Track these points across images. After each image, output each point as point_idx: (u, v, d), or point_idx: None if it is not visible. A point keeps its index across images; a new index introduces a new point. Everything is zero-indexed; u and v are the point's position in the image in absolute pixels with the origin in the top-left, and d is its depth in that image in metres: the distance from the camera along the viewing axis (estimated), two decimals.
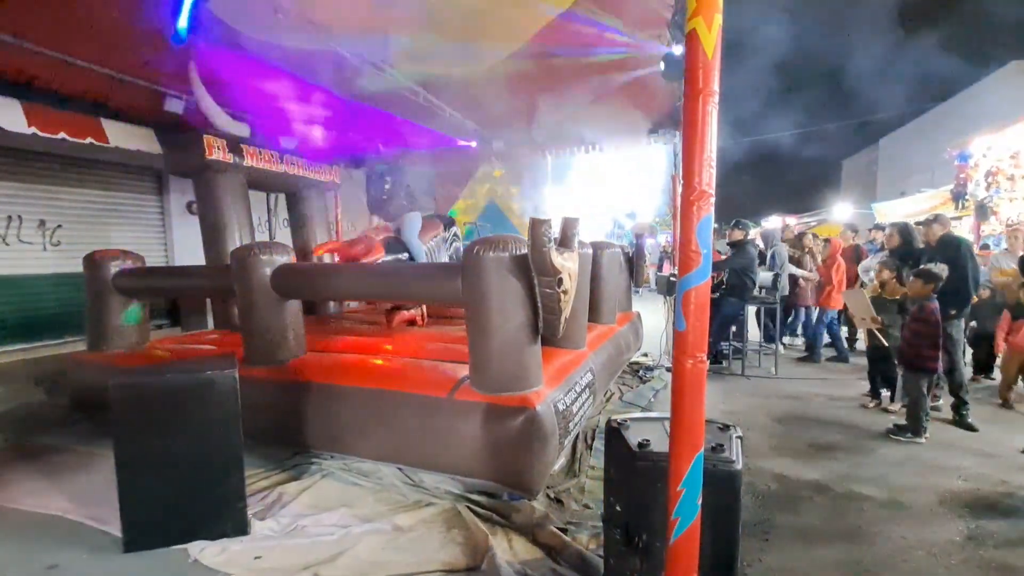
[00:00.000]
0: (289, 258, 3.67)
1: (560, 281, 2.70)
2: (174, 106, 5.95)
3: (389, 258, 4.89)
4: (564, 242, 2.82)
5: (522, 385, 2.88)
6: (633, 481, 1.79)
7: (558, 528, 2.49)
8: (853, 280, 6.63)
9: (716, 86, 1.41)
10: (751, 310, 6.53)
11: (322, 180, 6.76)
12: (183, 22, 4.24)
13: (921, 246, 4.96)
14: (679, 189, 1.51)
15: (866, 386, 4.80)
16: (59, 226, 6.45)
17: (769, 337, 6.85)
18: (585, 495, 2.90)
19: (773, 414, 4.42)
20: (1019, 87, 14.94)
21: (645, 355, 6.38)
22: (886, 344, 4.27)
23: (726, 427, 1.94)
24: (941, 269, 4.00)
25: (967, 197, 9.12)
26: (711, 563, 1.64)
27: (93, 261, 4.22)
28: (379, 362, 3.55)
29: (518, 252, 2.78)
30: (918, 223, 5.29)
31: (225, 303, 5.33)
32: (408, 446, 3.04)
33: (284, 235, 8.12)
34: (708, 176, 1.42)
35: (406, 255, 5.03)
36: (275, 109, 5.85)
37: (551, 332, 2.88)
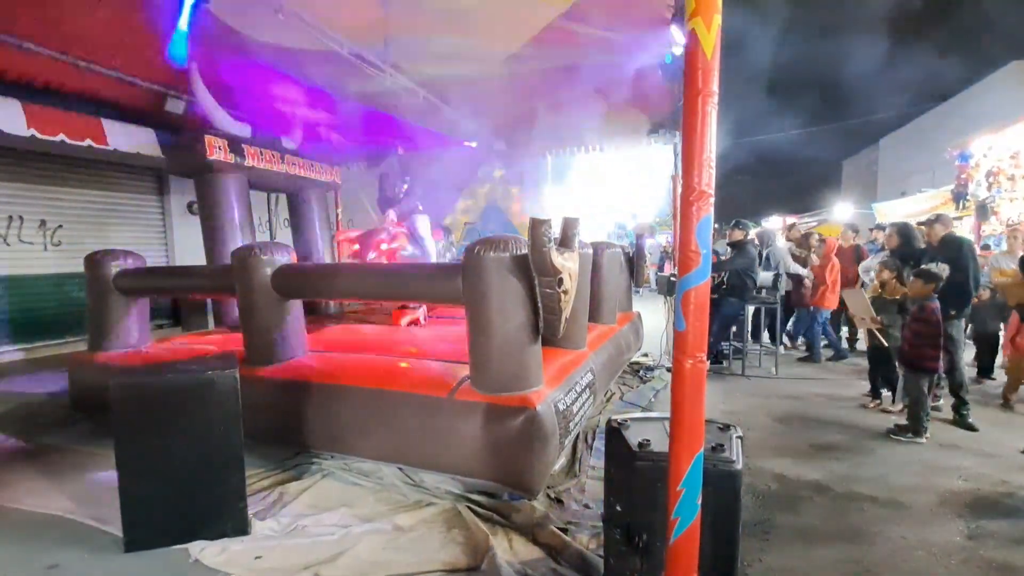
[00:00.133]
0: (290, 258, 3.67)
1: (560, 281, 2.70)
2: (175, 106, 5.97)
3: (410, 250, 4.95)
4: (564, 242, 2.82)
5: (522, 385, 2.88)
6: (633, 481, 1.79)
7: (558, 528, 2.49)
8: (854, 280, 6.63)
9: (715, 86, 1.41)
10: (753, 311, 6.53)
11: (323, 180, 6.77)
12: (183, 24, 4.24)
13: (922, 246, 4.96)
14: (679, 189, 1.51)
15: (866, 386, 4.80)
16: (60, 226, 6.47)
17: (771, 337, 6.86)
18: (585, 495, 2.90)
19: (773, 414, 4.42)
20: (1019, 87, 14.91)
21: (645, 355, 6.38)
22: (886, 344, 4.27)
23: (726, 427, 1.94)
24: (942, 269, 4.00)
25: (968, 197, 9.12)
26: (711, 563, 1.65)
27: (94, 261, 4.22)
28: (379, 362, 3.55)
29: (518, 252, 2.78)
30: (920, 223, 5.29)
31: (226, 303, 5.34)
32: (408, 446, 3.04)
33: (285, 235, 8.14)
34: (707, 176, 1.42)
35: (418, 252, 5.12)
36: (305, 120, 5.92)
37: (551, 332, 2.88)
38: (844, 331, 7.26)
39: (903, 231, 5.19)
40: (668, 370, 5.60)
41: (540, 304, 2.80)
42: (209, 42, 4.69)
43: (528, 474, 2.76)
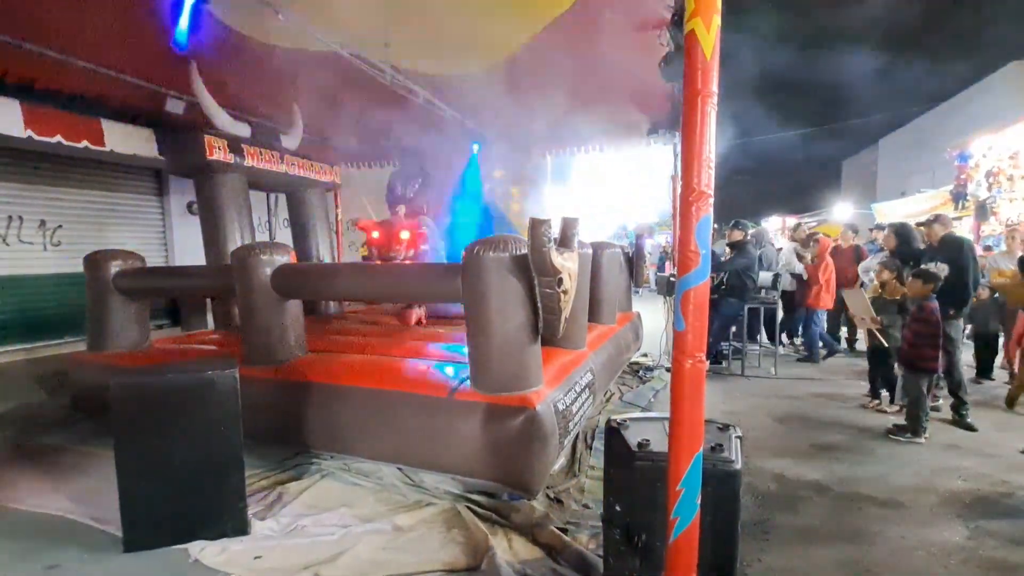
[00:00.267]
0: (289, 258, 3.67)
1: (560, 281, 2.70)
2: (175, 106, 5.96)
3: (425, 248, 5.01)
4: (564, 242, 2.82)
5: (522, 385, 2.88)
6: (633, 481, 1.79)
7: (558, 528, 2.49)
8: (853, 280, 6.63)
9: (715, 87, 1.41)
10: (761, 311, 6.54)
11: (323, 180, 6.76)
12: (184, 24, 4.24)
13: (921, 246, 4.96)
14: (678, 190, 1.52)
15: (866, 386, 4.81)
16: (59, 226, 6.46)
17: (769, 337, 6.87)
18: (585, 495, 2.90)
19: (773, 414, 4.42)
20: (1019, 88, 14.92)
21: (645, 355, 6.38)
22: (886, 345, 4.27)
23: (725, 427, 1.95)
24: (940, 269, 4.00)
25: (968, 197, 9.12)
26: (710, 563, 1.65)
27: (93, 261, 4.22)
28: (379, 362, 3.55)
29: (518, 252, 2.78)
30: (919, 224, 5.30)
31: (226, 303, 5.34)
32: (408, 446, 3.04)
33: (285, 235, 8.14)
34: (707, 177, 1.43)
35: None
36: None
37: (551, 332, 2.88)
38: (843, 331, 7.26)
39: (901, 231, 5.19)
40: (667, 370, 5.59)
41: (540, 304, 2.80)
42: (209, 42, 4.68)
43: (528, 474, 2.76)
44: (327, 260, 6.82)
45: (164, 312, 7.43)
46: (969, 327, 5.46)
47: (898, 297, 4.32)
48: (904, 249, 5.04)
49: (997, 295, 5.12)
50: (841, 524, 2.69)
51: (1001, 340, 5.43)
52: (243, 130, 5.63)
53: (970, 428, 4.01)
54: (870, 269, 6.05)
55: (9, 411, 4.36)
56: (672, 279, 5.73)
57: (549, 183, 9.30)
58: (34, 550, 2.40)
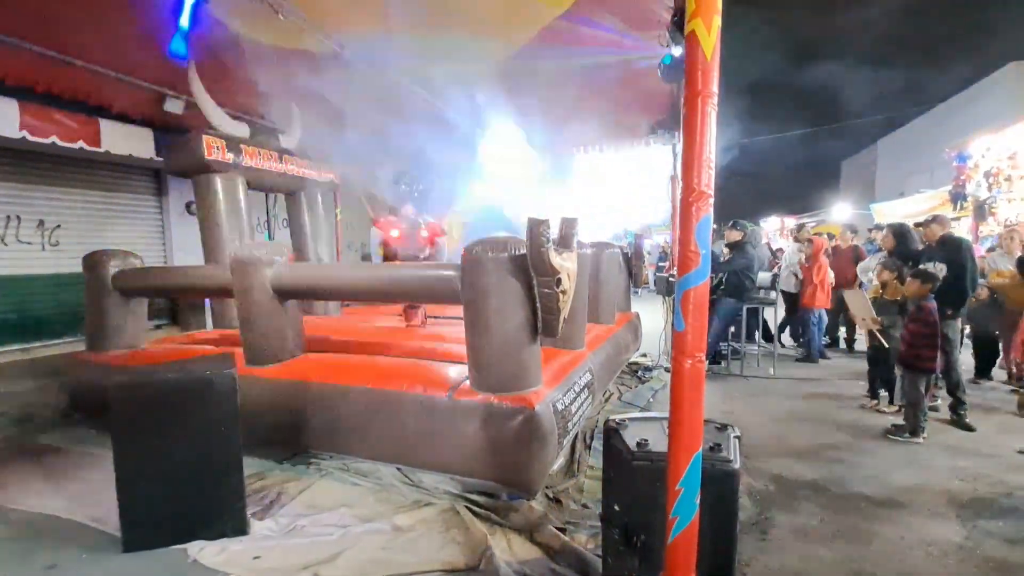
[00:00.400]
0: (288, 258, 3.67)
1: (559, 281, 2.70)
2: (174, 106, 5.96)
3: (428, 251, 5.01)
4: (563, 242, 2.82)
5: (521, 385, 2.88)
6: (631, 481, 1.79)
7: (557, 528, 2.49)
8: (852, 280, 6.64)
9: (715, 87, 1.41)
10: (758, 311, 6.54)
11: (322, 180, 6.76)
12: (184, 21, 4.23)
13: (919, 247, 4.97)
14: (678, 190, 1.52)
15: (864, 386, 4.81)
16: (58, 226, 6.45)
17: (766, 337, 6.87)
18: (583, 495, 2.91)
19: (771, 414, 4.42)
20: (1017, 88, 14.96)
21: (644, 355, 6.38)
22: (887, 345, 4.27)
23: (724, 427, 1.95)
24: (939, 269, 4.00)
25: (967, 198, 9.13)
26: (709, 562, 1.65)
27: (92, 261, 4.22)
28: (378, 362, 3.55)
29: (517, 252, 2.78)
30: (917, 224, 5.30)
31: (224, 303, 5.33)
32: (407, 446, 3.04)
33: (283, 235, 8.13)
34: (707, 177, 1.43)
35: None
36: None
37: (550, 332, 2.88)
38: (842, 331, 7.27)
39: (898, 232, 5.20)
40: (666, 370, 5.60)
41: (539, 304, 2.80)
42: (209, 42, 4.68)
43: (526, 474, 2.76)
44: (326, 260, 6.82)
45: (163, 312, 7.42)
46: (968, 328, 5.46)
47: (898, 298, 4.32)
48: (902, 249, 5.04)
49: (996, 295, 5.13)
50: (839, 524, 2.69)
51: (1001, 342, 5.42)
52: (241, 130, 5.62)
53: (968, 428, 4.02)
54: (869, 269, 6.06)
55: (8, 411, 4.36)
56: (671, 279, 5.74)
57: (549, 183, 9.31)
58: (33, 550, 2.40)
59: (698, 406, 1.50)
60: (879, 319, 4.31)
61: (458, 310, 3.05)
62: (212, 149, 5.21)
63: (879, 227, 8.11)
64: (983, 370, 5.45)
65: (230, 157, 5.37)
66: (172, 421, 2.37)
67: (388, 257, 6.05)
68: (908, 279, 4.10)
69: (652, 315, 7.73)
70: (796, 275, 6.68)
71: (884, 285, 4.53)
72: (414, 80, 5.65)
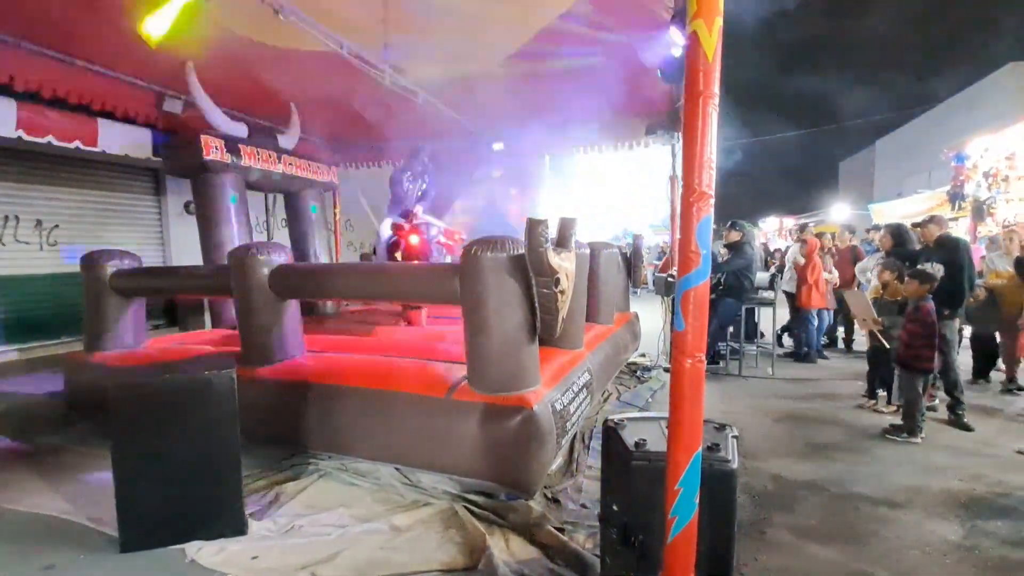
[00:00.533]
0: (287, 258, 3.66)
1: (557, 281, 2.70)
2: (172, 106, 5.94)
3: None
4: (561, 242, 2.82)
5: (520, 385, 2.88)
6: (630, 480, 1.79)
7: (555, 528, 2.49)
8: (850, 281, 6.65)
9: (716, 88, 1.41)
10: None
11: (320, 180, 6.75)
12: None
13: (917, 247, 4.97)
14: (677, 190, 1.52)
15: (862, 386, 4.82)
16: (56, 226, 6.44)
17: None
18: (582, 495, 2.90)
19: (770, 414, 4.43)
20: (1015, 89, 15.00)
21: (643, 355, 6.39)
22: (888, 346, 4.26)
23: (722, 427, 1.95)
24: (936, 270, 4.01)
25: (965, 198, 9.16)
26: (707, 562, 1.65)
27: (90, 261, 4.21)
28: (377, 362, 3.54)
29: (515, 252, 2.78)
30: (914, 224, 5.30)
31: (223, 303, 5.33)
32: (406, 446, 3.04)
33: (282, 235, 8.12)
34: (708, 177, 1.43)
35: None
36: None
37: (548, 332, 2.88)
38: (840, 331, 7.28)
39: (895, 232, 5.21)
40: (665, 370, 5.61)
41: (537, 304, 2.80)
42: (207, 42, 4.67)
43: (525, 474, 2.76)
44: (325, 260, 6.81)
45: (161, 312, 7.40)
46: (968, 328, 5.46)
47: (899, 298, 4.32)
48: (900, 250, 5.05)
49: (994, 296, 5.13)
50: (837, 524, 2.70)
51: (999, 341, 5.43)
52: (240, 130, 5.62)
53: (967, 428, 4.03)
54: (867, 270, 6.07)
55: (5, 411, 4.35)
56: (670, 279, 5.74)
57: (549, 183, 9.31)
58: (31, 551, 2.39)
59: (698, 406, 1.50)
60: (880, 319, 4.32)
61: (459, 309, 3.05)
62: (211, 149, 5.20)
63: (877, 227, 8.12)
64: (981, 371, 5.46)
65: (228, 157, 5.37)
66: (170, 421, 2.37)
67: None
68: (906, 279, 4.11)
69: (651, 315, 7.74)
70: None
71: (885, 285, 4.53)
72: (414, 81, 5.64)
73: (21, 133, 5.26)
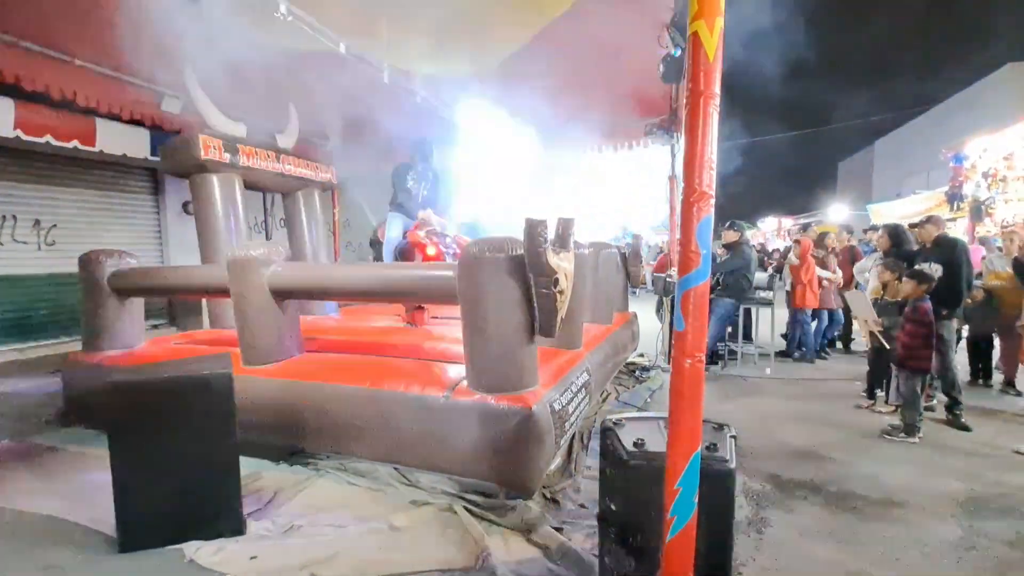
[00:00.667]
0: (285, 258, 3.66)
1: (556, 281, 2.70)
2: (171, 105, 5.93)
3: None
4: (560, 242, 2.82)
5: (518, 385, 2.88)
6: (628, 480, 1.79)
7: (554, 528, 2.49)
8: (849, 281, 6.65)
9: (717, 88, 1.41)
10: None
11: (319, 180, 6.74)
12: None
13: (915, 247, 4.98)
14: (676, 190, 1.52)
15: (860, 386, 4.82)
16: (54, 226, 6.43)
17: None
18: (581, 495, 2.91)
19: (768, 414, 4.43)
20: (1014, 89, 15.03)
21: (642, 355, 6.39)
22: (888, 346, 4.27)
23: (720, 426, 1.95)
24: (934, 270, 4.01)
25: (963, 199, 9.18)
26: (704, 562, 1.65)
27: (88, 261, 4.20)
28: (375, 362, 3.54)
29: (514, 252, 2.78)
30: (912, 225, 5.31)
31: (221, 303, 5.31)
32: (404, 446, 3.03)
33: (281, 235, 8.11)
34: (708, 177, 1.43)
35: None
36: None
37: (547, 332, 2.88)
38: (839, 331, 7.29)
39: (893, 232, 5.21)
40: (664, 370, 5.62)
41: (536, 304, 2.80)
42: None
43: (524, 474, 2.75)
44: (324, 260, 6.80)
45: (159, 312, 7.40)
46: (967, 328, 5.47)
47: (899, 298, 4.33)
48: (898, 250, 5.06)
49: (993, 297, 5.14)
50: (835, 523, 2.70)
51: (997, 341, 5.44)
52: (238, 129, 5.60)
53: (964, 428, 4.03)
54: (865, 270, 6.08)
55: (3, 411, 4.34)
56: (669, 279, 5.75)
57: (548, 183, 9.30)
58: (29, 551, 2.38)
59: (698, 406, 1.50)
60: (880, 320, 4.32)
61: (459, 309, 3.05)
62: (209, 149, 5.19)
63: (875, 228, 8.13)
64: (980, 371, 5.47)
65: (227, 157, 5.36)
66: (169, 421, 2.36)
67: None
68: (904, 279, 4.11)
69: (650, 315, 7.74)
70: None
71: (885, 286, 4.53)
72: (414, 80, 5.64)
73: (19, 132, 5.25)
